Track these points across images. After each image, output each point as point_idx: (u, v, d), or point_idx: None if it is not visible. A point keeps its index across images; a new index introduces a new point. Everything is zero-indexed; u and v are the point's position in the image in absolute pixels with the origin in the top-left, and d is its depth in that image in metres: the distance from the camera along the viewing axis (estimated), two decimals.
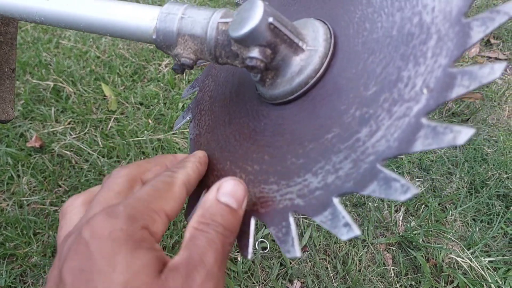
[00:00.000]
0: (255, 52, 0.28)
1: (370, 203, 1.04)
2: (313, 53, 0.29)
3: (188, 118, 0.43)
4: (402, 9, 0.26)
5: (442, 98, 0.22)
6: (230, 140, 0.35)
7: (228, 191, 0.27)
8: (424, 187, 1.11)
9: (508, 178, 1.16)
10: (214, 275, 0.23)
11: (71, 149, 1.07)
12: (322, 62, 0.29)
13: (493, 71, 0.20)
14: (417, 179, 1.14)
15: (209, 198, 0.27)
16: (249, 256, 0.28)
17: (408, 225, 1.02)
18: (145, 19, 0.33)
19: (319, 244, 0.96)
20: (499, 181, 1.14)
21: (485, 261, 0.96)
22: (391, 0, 0.27)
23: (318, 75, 0.29)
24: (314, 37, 0.30)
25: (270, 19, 0.27)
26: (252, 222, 0.28)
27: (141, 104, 1.24)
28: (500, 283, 0.92)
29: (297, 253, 0.25)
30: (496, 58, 1.63)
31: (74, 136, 1.11)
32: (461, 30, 0.23)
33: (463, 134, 0.20)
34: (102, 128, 1.14)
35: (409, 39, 0.25)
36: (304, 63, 0.30)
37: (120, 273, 0.20)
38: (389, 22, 0.27)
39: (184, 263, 0.23)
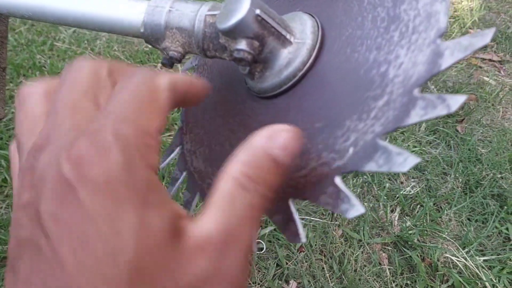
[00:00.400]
0: (242, 44, 0.28)
1: (365, 203, 1.04)
2: (300, 46, 0.29)
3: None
4: (379, 49, 0.26)
5: (356, 167, 0.22)
6: (221, 139, 0.35)
7: (283, 144, 0.20)
8: (419, 187, 1.11)
9: (502, 178, 1.16)
10: (247, 260, 0.18)
11: None
12: (310, 55, 0.29)
13: (405, 163, 0.20)
14: (412, 180, 1.14)
15: (257, 144, 0.20)
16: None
17: (404, 225, 1.02)
18: (133, 12, 0.33)
19: (315, 245, 0.96)
20: (493, 181, 1.15)
21: (480, 260, 0.96)
22: (377, 34, 0.27)
23: (306, 67, 0.29)
24: (302, 30, 0.30)
25: (257, 11, 0.27)
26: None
27: None
28: (495, 281, 0.92)
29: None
30: (490, 60, 1.64)
31: None
32: (406, 103, 0.22)
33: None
34: None
35: (368, 87, 0.25)
36: (292, 56, 0.30)
37: (128, 244, 0.15)
38: (365, 55, 0.27)
39: (219, 239, 0.17)
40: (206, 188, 0.35)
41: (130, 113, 0.18)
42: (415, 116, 0.22)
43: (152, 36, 0.33)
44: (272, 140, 0.20)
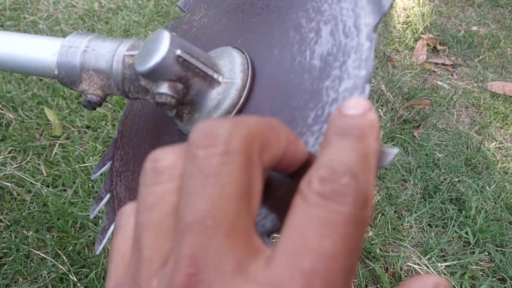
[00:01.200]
0: (164, 88, 0.26)
1: None
2: (229, 86, 0.28)
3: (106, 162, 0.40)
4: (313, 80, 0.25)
5: None
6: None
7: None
8: (379, 195, 1.12)
9: (459, 181, 1.18)
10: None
11: (12, 180, 1.01)
12: (240, 95, 0.27)
13: None
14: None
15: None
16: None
17: (366, 235, 1.02)
18: (46, 53, 0.30)
19: None
20: (451, 185, 1.16)
21: (441, 266, 0.97)
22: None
23: (236, 109, 0.27)
24: (231, 68, 0.28)
25: (178, 52, 0.25)
26: None
27: (88, 127, 1.19)
28: (457, 287, 0.93)
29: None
30: (443, 64, 1.68)
31: (15, 166, 1.05)
32: None
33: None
34: (46, 156, 1.09)
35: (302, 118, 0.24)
36: (221, 97, 0.28)
37: None
38: (298, 89, 0.25)
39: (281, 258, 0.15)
40: None
41: None
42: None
43: (67, 78, 0.30)
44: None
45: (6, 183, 0.99)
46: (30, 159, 1.07)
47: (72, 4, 1.70)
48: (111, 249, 0.20)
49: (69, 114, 1.21)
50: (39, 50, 0.30)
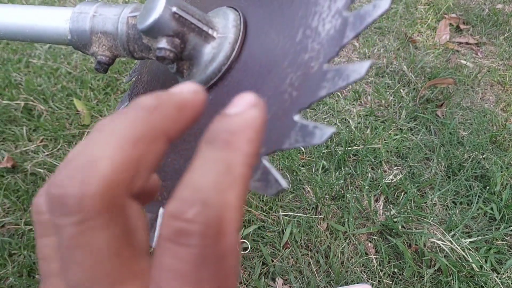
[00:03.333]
0: (163, 43, 0.28)
1: (348, 195, 1.04)
2: (223, 40, 0.30)
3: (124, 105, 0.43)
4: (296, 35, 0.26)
5: (276, 146, 0.24)
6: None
7: None
8: (402, 174, 1.12)
9: (484, 159, 1.17)
10: None
11: (44, 166, 1.06)
12: (233, 48, 0.29)
13: (322, 135, 0.21)
14: (395, 167, 1.14)
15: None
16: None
17: (388, 213, 1.02)
18: (59, 20, 0.33)
19: (300, 240, 0.96)
20: (476, 162, 1.15)
21: (465, 242, 0.96)
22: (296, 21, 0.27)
23: (230, 61, 0.29)
24: (225, 24, 0.30)
25: (174, 9, 0.28)
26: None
27: None
28: (482, 262, 0.92)
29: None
30: (467, 43, 1.65)
31: (47, 153, 1.10)
32: (319, 78, 0.24)
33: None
34: (75, 143, 1.14)
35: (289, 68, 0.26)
36: (216, 51, 0.30)
37: None
38: (285, 40, 0.27)
39: None
40: None
41: None
42: (324, 89, 0.22)
43: (79, 42, 0.33)
44: None
45: (39, 170, 1.05)
46: (61, 146, 1.12)
47: None
48: None
49: (97, 104, 1.26)
50: (53, 18, 0.33)
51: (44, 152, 1.10)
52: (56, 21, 0.34)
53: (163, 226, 0.15)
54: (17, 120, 1.18)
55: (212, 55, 0.30)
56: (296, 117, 0.23)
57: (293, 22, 0.26)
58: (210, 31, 0.30)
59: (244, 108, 0.16)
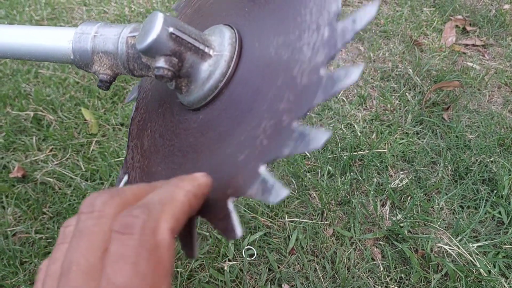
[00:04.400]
0: (161, 62, 0.29)
1: (354, 200, 1.04)
2: (219, 58, 0.31)
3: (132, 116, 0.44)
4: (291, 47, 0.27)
5: (275, 154, 0.25)
6: (160, 155, 0.36)
7: None
8: (408, 179, 1.11)
9: (492, 162, 1.16)
10: None
11: (54, 175, 1.08)
12: (229, 65, 0.30)
13: (319, 140, 0.22)
14: (401, 172, 1.14)
15: None
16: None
17: (394, 218, 1.02)
18: (63, 41, 0.34)
19: (306, 246, 0.96)
20: (483, 165, 1.14)
21: (473, 246, 0.96)
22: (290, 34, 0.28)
23: (226, 78, 0.30)
24: (220, 42, 0.31)
25: (171, 29, 0.29)
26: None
27: (122, 124, 1.25)
28: (490, 266, 0.91)
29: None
30: (473, 45, 1.64)
31: (56, 162, 1.12)
32: (315, 84, 0.24)
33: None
34: (84, 152, 1.15)
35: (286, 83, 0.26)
36: (212, 68, 0.31)
37: None
38: (278, 54, 0.28)
39: None
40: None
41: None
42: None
43: (81, 61, 0.34)
44: None
45: (48, 179, 1.07)
46: (70, 156, 1.14)
47: (104, 10, 1.78)
48: None
49: (104, 113, 1.28)
50: (57, 39, 0.34)
51: (53, 162, 1.12)
52: (60, 41, 0.35)
53: (115, 222, 0.21)
54: (27, 130, 1.21)
55: (209, 72, 0.31)
56: (261, 169, 0.24)
57: (279, 64, 0.27)
58: (206, 50, 0.31)
59: (196, 175, 0.26)
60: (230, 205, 0.25)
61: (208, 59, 0.31)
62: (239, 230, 0.24)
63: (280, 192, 0.22)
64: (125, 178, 0.42)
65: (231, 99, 0.30)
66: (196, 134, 0.32)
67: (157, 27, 0.28)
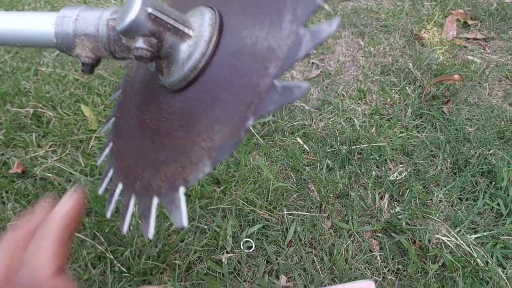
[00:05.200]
0: (140, 42, 0.29)
1: (353, 193, 1.04)
2: (199, 38, 0.31)
3: (111, 120, 0.44)
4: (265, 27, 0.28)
5: (262, 111, 0.25)
6: (144, 142, 0.36)
7: None
8: (407, 171, 1.11)
9: (492, 154, 1.15)
10: None
11: (53, 171, 1.09)
12: (208, 46, 0.30)
13: (299, 91, 0.22)
14: (400, 165, 1.14)
15: None
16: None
17: (393, 210, 1.02)
18: (45, 25, 0.34)
19: (304, 238, 0.96)
20: (482, 158, 1.14)
21: (471, 238, 0.95)
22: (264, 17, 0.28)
23: (205, 58, 0.30)
24: (201, 23, 0.31)
25: (149, 10, 0.29)
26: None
27: None
28: (487, 257, 0.91)
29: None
30: (475, 39, 1.63)
31: (55, 158, 1.13)
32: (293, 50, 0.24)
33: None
34: (83, 148, 1.16)
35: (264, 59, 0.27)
36: (192, 49, 0.31)
37: None
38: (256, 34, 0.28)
39: None
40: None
41: None
42: (304, 49, 0.23)
43: (64, 45, 0.34)
44: None
45: (48, 174, 1.07)
46: (69, 152, 1.15)
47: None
48: None
49: (104, 110, 1.29)
50: (40, 23, 0.35)
51: (53, 157, 1.13)
52: (43, 25, 0.35)
53: None
54: (26, 127, 1.22)
55: (189, 53, 0.31)
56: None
57: (261, 42, 0.27)
58: (186, 30, 0.31)
59: (61, 206, 0.28)
60: (182, 194, 0.26)
61: (187, 40, 0.31)
62: (185, 220, 0.25)
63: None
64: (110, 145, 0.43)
65: (211, 79, 0.30)
66: (176, 116, 0.32)
67: (135, 7, 0.29)
